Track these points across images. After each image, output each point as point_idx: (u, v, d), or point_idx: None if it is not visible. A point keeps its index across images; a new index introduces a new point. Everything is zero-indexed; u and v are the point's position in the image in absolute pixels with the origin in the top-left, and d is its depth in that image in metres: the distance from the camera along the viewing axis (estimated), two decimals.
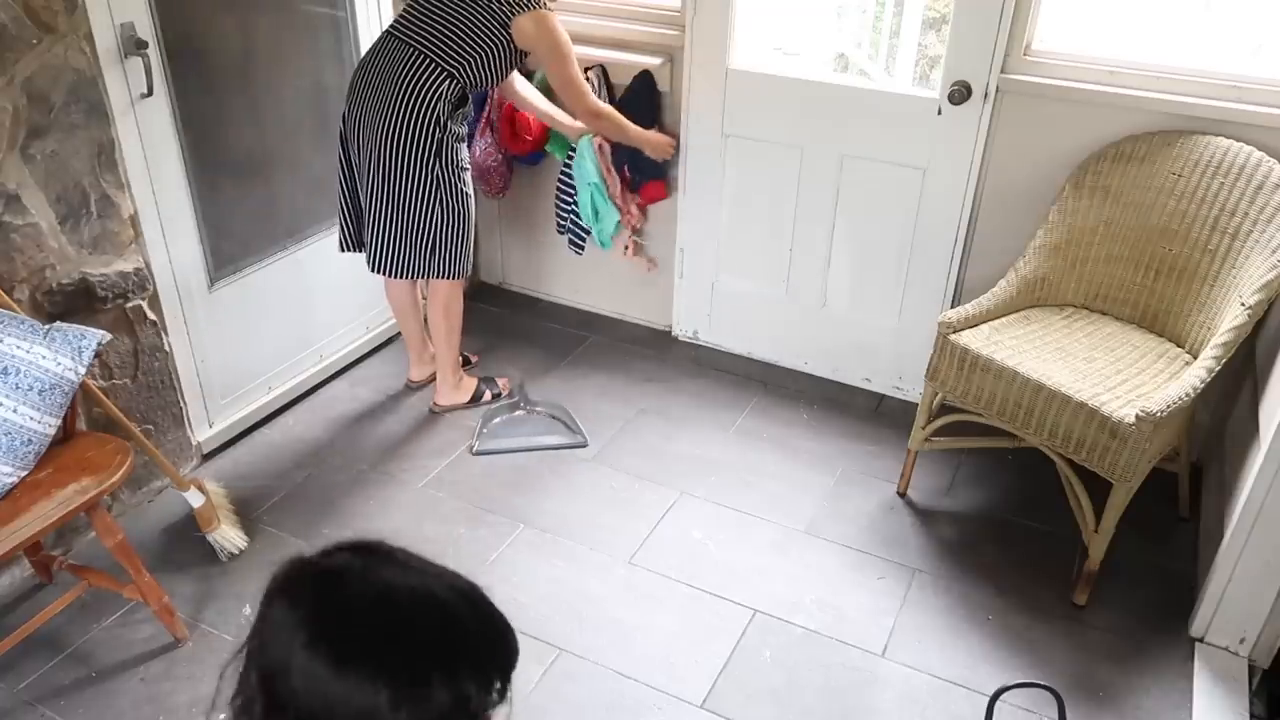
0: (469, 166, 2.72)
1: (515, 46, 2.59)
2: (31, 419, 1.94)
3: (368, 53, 2.64)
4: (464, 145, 2.69)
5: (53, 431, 2.01)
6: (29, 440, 1.95)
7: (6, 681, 2.12)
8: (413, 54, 2.54)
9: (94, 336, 2.04)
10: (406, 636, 0.94)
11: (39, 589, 2.36)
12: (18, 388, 1.92)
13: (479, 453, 2.85)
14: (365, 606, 0.95)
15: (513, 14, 2.54)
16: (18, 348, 1.94)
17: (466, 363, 3.22)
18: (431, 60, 2.54)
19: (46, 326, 2.01)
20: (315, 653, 0.91)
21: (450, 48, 2.54)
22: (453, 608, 0.98)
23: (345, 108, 2.67)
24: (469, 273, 2.82)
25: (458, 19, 2.54)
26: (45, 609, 2.13)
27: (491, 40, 2.55)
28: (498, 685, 0.99)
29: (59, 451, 2.07)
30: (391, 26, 2.63)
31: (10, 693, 2.10)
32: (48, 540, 2.35)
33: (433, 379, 3.08)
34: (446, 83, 2.55)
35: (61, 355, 1.98)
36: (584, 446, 2.89)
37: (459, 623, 0.97)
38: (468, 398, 3.04)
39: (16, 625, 2.10)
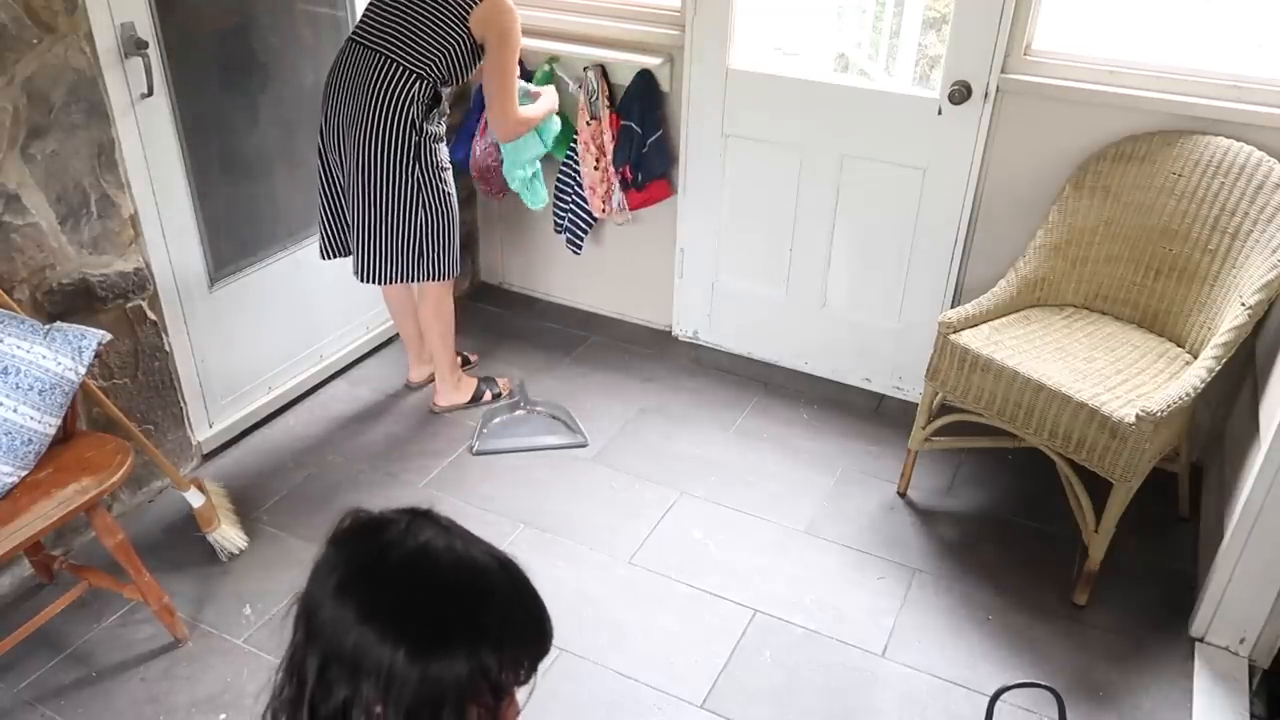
0: (449, 166, 2.69)
1: (475, 39, 2.54)
2: (32, 419, 1.94)
3: (334, 63, 2.60)
4: (443, 145, 2.65)
5: (53, 431, 2.01)
6: (29, 440, 1.95)
7: (6, 681, 2.12)
8: (379, 59, 2.51)
9: (94, 336, 2.04)
10: (434, 597, 0.95)
11: (39, 589, 2.36)
12: (18, 387, 1.92)
13: (479, 453, 2.85)
14: (399, 561, 0.97)
15: (472, 5, 2.50)
16: (18, 347, 1.94)
17: (466, 362, 3.22)
18: (398, 64, 2.50)
19: (47, 326, 2.01)
20: (344, 597, 0.94)
21: (415, 48, 2.50)
22: (489, 578, 0.99)
23: (320, 121, 2.64)
24: (458, 272, 2.80)
25: (419, 18, 2.51)
26: (45, 609, 2.13)
27: (453, 36, 2.51)
28: (524, 665, 0.99)
29: (59, 451, 2.07)
30: (354, 33, 2.58)
31: (10, 693, 2.10)
32: (48, 540, 2.35)
33: (432, 379, 3.08)
34: (417, 85, 2.51)
35: (62, 355, 1.98)
36: (584, 446, 2.89)
37: (492, 594, 0.98)
38: (468, 398, 3.04)
39: (17, 625, 2.10)
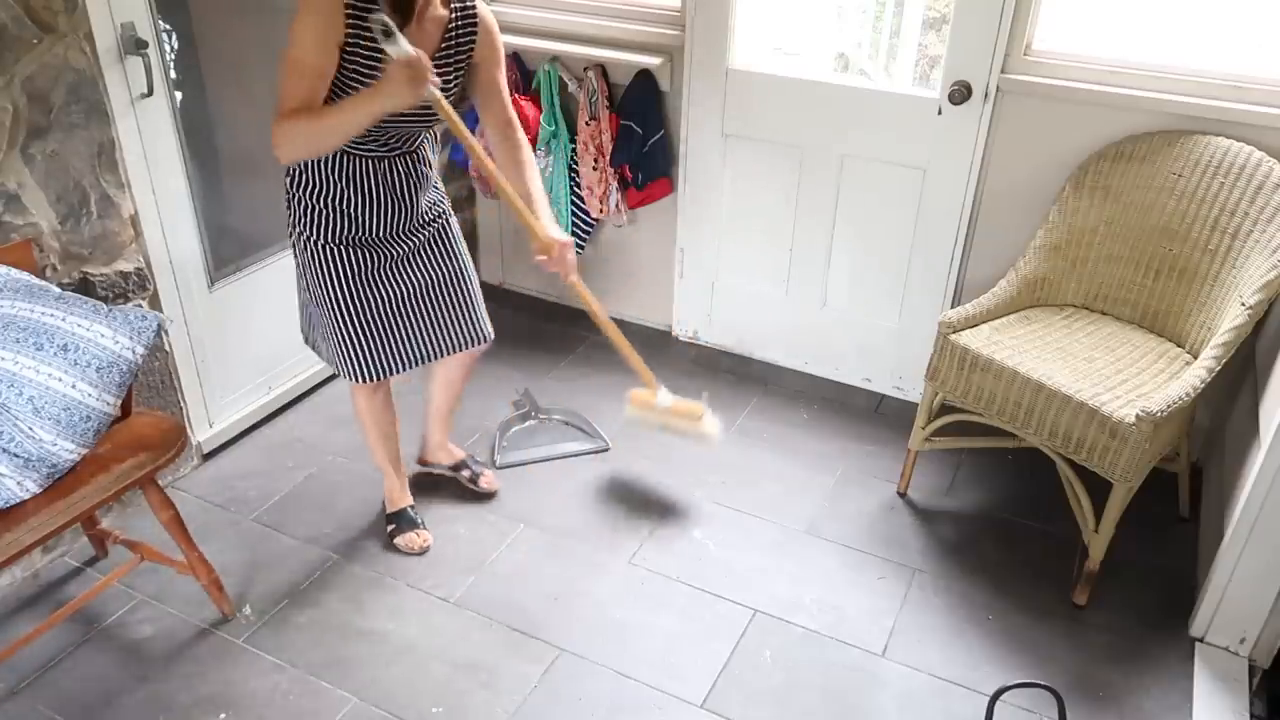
0: (359, 254, 2.17)
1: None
2: (89, 395, 1.97)
3: None
4: (334, 217, 2.14)
5: (111, 410, 2.03)
6: (87, 417, 1.97)
7: (7, 681, 2.12)
8: None
9: (154, 318, 2.08)
10: None
11: (90, 563, 2.43)
12: (75, 364, 1.95)
13: (502, 466, 2.81)
14: None
15: None
16: (79, 325, 1.98)
17: (397, 521, 2.55)
18: None
19: (108, 307, 2.05)
20: None
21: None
22: None
23: None
24: (365, 379, 2.26)
25: None
26: (97, 583, 2.21)
27: None
28: None
29: (118, 429, 2.12)
30: None
31: (11, 692, 2.10)
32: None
33: (435, 461, 2.76)
34: None
35: (120, 334, 2.02)
36: (606, 450, 2.88)
37: None
38: (391, 537, 2.53)
39: (62, 603, 2.19)
